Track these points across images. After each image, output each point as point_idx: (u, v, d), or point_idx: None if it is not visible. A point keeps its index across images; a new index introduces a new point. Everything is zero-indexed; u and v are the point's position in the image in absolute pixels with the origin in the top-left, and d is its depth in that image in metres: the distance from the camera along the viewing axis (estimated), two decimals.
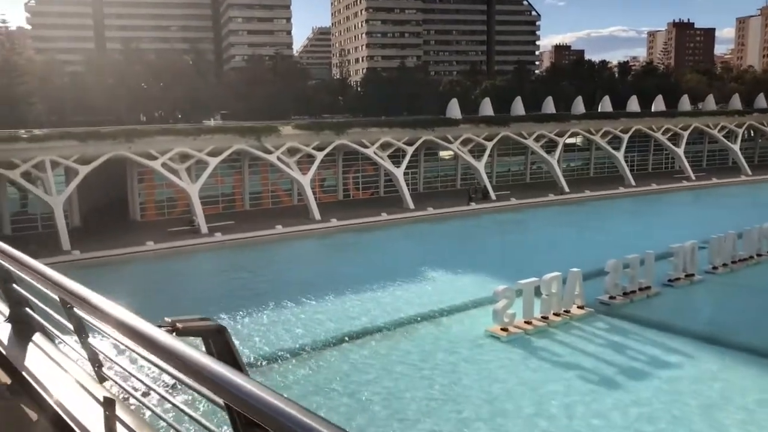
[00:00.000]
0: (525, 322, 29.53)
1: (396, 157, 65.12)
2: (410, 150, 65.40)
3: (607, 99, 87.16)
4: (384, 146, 64.66)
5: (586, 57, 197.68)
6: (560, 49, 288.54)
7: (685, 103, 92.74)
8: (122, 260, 44.62)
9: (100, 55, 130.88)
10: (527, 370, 25.86)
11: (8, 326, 4.53)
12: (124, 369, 3.32)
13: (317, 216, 57.63)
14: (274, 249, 49.64)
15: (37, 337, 4.34)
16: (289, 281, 39.21)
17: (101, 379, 3.59)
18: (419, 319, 31.21)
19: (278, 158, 59.44)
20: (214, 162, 56.36)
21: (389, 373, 25.11)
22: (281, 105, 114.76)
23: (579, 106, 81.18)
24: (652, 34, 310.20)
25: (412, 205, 61.45)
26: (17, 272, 4.08)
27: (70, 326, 3.72)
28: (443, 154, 75.10)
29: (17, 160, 49.25)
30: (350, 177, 69.94)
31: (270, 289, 36.94)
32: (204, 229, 52.42)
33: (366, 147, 63.71)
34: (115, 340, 2.95)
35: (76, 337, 3.79)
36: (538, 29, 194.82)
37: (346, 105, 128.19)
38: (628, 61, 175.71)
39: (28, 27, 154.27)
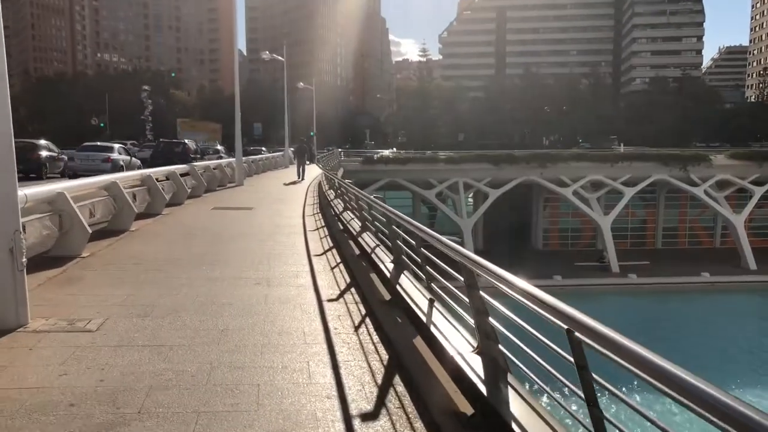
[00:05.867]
0: None
1: None
2: None
3: None
4: None
5: None
6: None
7: None
8: None
9: (500, 81, 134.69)
10: None
11: (391, 265, 7.35)
12: (441, 280, 5.48)
13: (752, 265, 47.29)
14: (702, 302, 41.09)
15: (405, 271, 6.79)
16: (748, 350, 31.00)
17: (429, 287, 5.71)
18: None
19: (705, 192, 50.48)
20: (629, 192, 50.17)
21: None
22: (689, 130, 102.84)
23: None
24: None
25: None
26: (400, 232, 7.04)
27: (419, 259, 6.07)
28: None
29: (434, 180, 50.05)
30: None
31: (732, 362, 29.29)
32: (615, 267, 46.60)
33: None
34: (439, 262, 5.42)
35: (421, 266, 6.03)
36: None
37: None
38: None
39: (439, 57, 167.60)
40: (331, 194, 18.07)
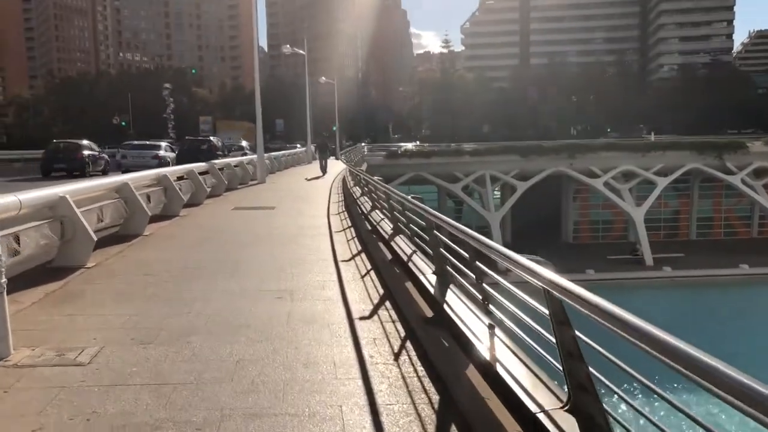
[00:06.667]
0: None
1: None
2: None
3: None
4: None
5: None
6: None
7: None
8: None
9: (525, 70, 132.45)
10: None
11: (434, 277, 6.46)
12: (502, 302, 4.39)
13: None
14: (742, 294, 39.54)
15: (451, 285, 5.92)
16: None
17: (487, 311, 4.73)
18: None
19: (742, 180, 48.78)
20: (663, 183, 48.66)
21: None
22: (720, 117, 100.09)
23: None
24: None
25: None
26: (444, 239, 6.11)
27: (472, 275, 5.07)
28: None
29: (459, 173, 48.97)
30: None
31: None
32: (649, 260, 45.18)
33: None
34: (498, 280, 4.33)
35: (474, 282, 5.01)
36: None
37: None
38: None
39: (462, 48, 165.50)
40: (357, 191, 17.27)
